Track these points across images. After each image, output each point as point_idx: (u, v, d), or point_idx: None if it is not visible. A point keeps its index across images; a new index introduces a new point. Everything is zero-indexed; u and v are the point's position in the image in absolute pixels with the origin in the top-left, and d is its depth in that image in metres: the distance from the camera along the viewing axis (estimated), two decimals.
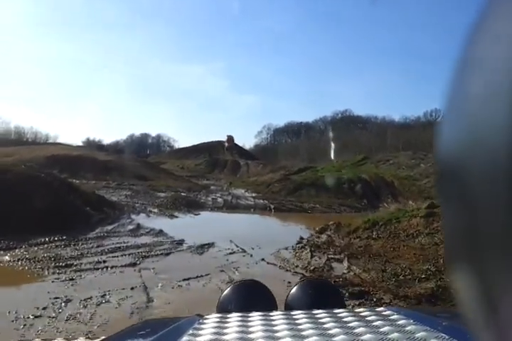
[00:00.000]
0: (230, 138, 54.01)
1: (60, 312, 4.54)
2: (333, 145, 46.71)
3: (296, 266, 6.69)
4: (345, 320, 0.69)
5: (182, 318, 0.81)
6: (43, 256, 6.74)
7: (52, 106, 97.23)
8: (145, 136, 74.23)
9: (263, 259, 7.12)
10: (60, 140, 48.94)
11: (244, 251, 7.75)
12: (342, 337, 0.60)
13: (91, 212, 10.44)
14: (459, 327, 0.59)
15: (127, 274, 6.13)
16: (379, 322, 0.67)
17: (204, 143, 58.89)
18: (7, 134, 46.71)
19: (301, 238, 9.03)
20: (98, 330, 4.06)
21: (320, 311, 0.76)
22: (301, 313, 0.75)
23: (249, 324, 0.69)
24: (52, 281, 5.65)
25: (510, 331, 0.16)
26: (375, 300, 5.07)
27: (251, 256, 7.43)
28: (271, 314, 0.75)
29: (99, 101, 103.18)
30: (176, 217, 12.47)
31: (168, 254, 7.40)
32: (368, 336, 0.59)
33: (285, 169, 28.93)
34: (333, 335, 0.61)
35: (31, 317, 4.38)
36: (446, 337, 0.58)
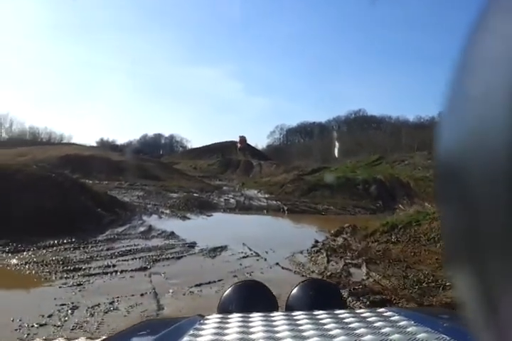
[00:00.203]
0: (243, 139, 53.74)
1: (65, 321, 4.34)
2: (337, 144, 46.54)
3: (312, 272, 6.41)
4: (346, 320, 0.68)
5: (183, 318, 0.80)
6: (51, 260, 6.57)
7: (67, 107, 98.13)
8: (158, 136, 74.35)
9: (277, 264, 6.86)
10: (74, 140, 49.20)
11: (257, 254, 7.50)
12: (343, 337, 0.59)
13: (102, 213, 10.27)
14: (460, 327, 0.59)
15: (137, 279, 5.92)
16: (380, 323, 0.66)
17: (217, 143, 58.69)
18: (22, 135, 47.03)
19: (316, 241, 8.76)
20: None
21: (321, 312, 0.76)
22: (302, 314, 0.75)
23: (250, 324, 0.69)
24: (60, 286, 5.47)
25: (510, 331, 0.17)
26: None
27: (265, 260, 7.18)
28: (272, 314, 0.75)
29: (113, 103, 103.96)
30: (188, 218, 12.26)
31: (179, 258, 7.18)
32: (368, 337, 0.59)
33: (298, 169, 28.56)
34: (334, 336, 0.60)
35: (36, 325, 4.18)
36: (447, 338, 0.58)
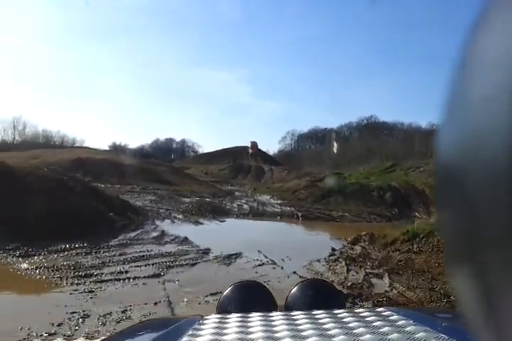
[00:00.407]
0: (254, 145, 53.71)
1: (76, 330, 4.13)
2: (335, 144, 47.02)
3: (332, 282, 6.13)
4: (344, 320, 0.68)
5: (182, 318, 0.80)
6: (62, 265, 6.38)
7: (79, 110, 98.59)
8: (170, 140, 74.49)
9: (295, 272, 6.60)
10: (87, 144, 49.27)
11: (274, 262, 7.25)
12: (342, 337, 0.59)
13: (114, 218, 10.09)
14: (459, 327, 0.59)
15: (150, 286, 5.70)
16: (379, 322, 0.66)
17: (227, 148, 58.68)
18: (35, 138, 47.28)
19: (333, 249, 8.50)
20: None
21: (319, 311, 0.75)
22: (301, 314, 0.74)
23: (249, 324, 0.68)
24: (71, 293, 5.26)
25: (510, 331, 0.17)
26: None
27: (281, 268, 6.93)
28: (271, 314, 0.75)
29: (125, 106, 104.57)
30: (201, 223, 12.05)
31: (193, 265, 6.96)
32: (367, 336, 0.59)
33: (310, 175, 28.27)
34: (333, 336, 0.60)
35: (45, 334, 3.98)
36: (446, 337, 0.58)
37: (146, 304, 4.91)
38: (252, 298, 1.12)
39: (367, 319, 0.68)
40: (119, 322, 4.38)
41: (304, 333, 0.62)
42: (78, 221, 8.55)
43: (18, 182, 9.09)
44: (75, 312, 4.56)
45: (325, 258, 7.68)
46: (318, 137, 71.75)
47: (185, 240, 8.78)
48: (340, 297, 1.22)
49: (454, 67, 0.19)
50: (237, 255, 7.68)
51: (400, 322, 0.66)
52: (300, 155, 61.76)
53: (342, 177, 25.62)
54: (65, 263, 6.50)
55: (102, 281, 5.77)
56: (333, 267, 7.02)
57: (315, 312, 0.75)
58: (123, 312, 4.64)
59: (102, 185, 15.47)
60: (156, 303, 4.96)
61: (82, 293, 5.29)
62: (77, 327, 4.19)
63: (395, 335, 0.59)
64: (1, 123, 44.60)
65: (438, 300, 5.15)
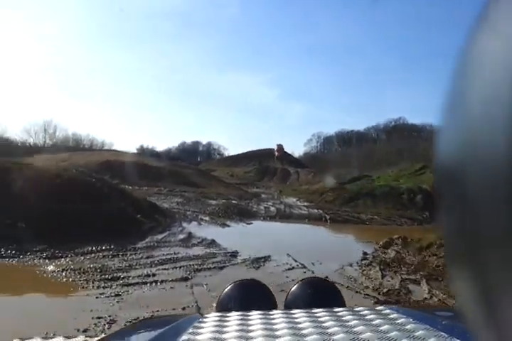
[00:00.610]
0: (280, 147, 53.40)
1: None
2: None
3: (366, 287, 5.86)
4: (344, 318, 0.68)
5: (182, 316, 0.80)
6: (88, 267, 6.29)
7: (108, 113, 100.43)
8: (196, 143, 74.88)
9: (327, 277, 6.33)
10: (115, 147, 49.90)
11: (304, 266, 7.01)
12: (341, 335, 0.59)
13: (142, 220, 10.03)
14: (458, 325, 0.58)
15: (178, 290, 5.55)
16: (378, 320, 0.66)
17: (253, 151, 58.60)
18: (65, 141, 48.16)
19: (365, 253, 8.20)
20: None
21: (319, 310, 0.75)
22: (301, 312, 0.74)
23: (249, 323, 0.68)
24: (97, 297, 5.15)
25: (510, 331, 0.17)
26: None
27: (312, 272, 6.66)
28: (270, 313, 0.74)
29: (152, 110, 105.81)
30: (228, 225, 11.89)
31: (221, 268, 6.79)
32: (367, 335, 0.59)
33: (339, 177, 27.86)
34: (333, 334, 0.60)
35: None
36: (445, 335, 0.57)
37: (173, 309, 4.75)
38: (251, 296, 1.11)
39: (367, 317, 0.68)
40: None
41: (303, 331, 0.61)
42: (105, 223, 8.49)
43: (46, 184, 9.10)
44: (101, 318, 4.44)
45: (357, 263, 7.40)
46: (344, 139, 70.93)
47: (213, 242, 8.63)
48: (340, 295, 1.15)
49: (454, 67, 0.19)
50: (266, 258, 7.47)
51: (399, 321, 0.65)
52: (326, 157, 61.17)
53: (370, 179, 25.16)
54: (91, 265, 6.42)
55: (128, 285, 5.65)
56: (367, 272, 6.73)
57: (315, 310, 0.75)
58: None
59: (130, 187, 15.49)
60: (184, 308, 4.79)
61: (108, 296, 5.17)
62: (103, 334, 4.04)
63: (394, 333, 0.59)
64: (32, 127, 45.54)
65: None
